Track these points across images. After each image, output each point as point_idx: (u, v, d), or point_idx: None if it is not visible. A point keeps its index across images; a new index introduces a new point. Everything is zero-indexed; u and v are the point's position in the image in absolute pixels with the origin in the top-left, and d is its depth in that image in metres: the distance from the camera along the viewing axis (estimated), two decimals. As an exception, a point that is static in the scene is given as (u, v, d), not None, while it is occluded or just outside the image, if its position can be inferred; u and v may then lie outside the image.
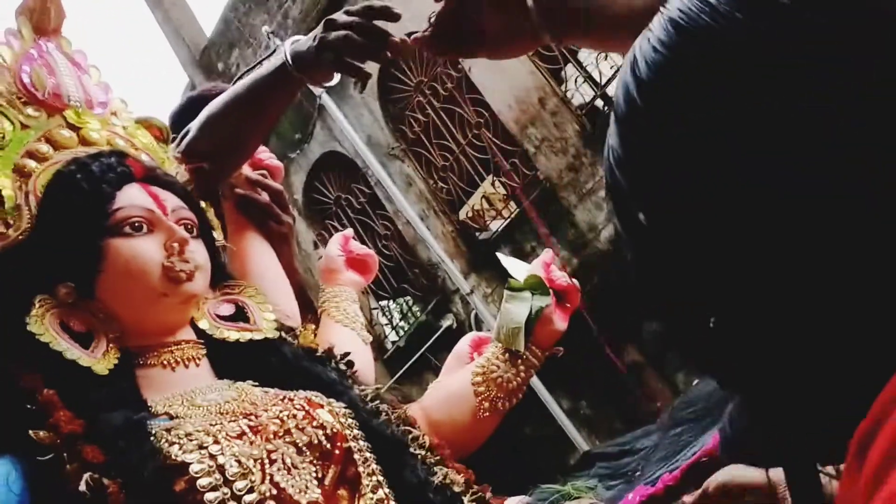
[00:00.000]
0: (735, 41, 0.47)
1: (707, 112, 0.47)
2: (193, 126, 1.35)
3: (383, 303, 9.23)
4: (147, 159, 1.23)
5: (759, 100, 0.45)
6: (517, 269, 1.44)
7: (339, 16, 1.25)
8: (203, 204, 1.26)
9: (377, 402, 1.13)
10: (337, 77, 1.29)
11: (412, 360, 7.91)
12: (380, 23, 1.23)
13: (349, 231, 1.68)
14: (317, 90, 8.21)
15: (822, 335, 0.44)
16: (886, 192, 0.41)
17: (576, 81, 7.39)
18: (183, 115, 1.53)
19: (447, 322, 7.94)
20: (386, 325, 9.19)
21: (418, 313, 8.68)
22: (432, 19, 0.96)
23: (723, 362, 0.51)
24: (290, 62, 1.26)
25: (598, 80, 7.25)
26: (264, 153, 1.50)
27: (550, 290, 1.38)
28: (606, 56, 6.98)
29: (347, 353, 1.23)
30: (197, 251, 1.11)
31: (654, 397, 6.67)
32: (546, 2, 0.86)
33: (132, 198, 1.10)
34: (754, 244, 0.45)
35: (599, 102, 7.36)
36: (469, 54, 0.99)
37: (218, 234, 1.29)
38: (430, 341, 7.76)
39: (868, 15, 0.44)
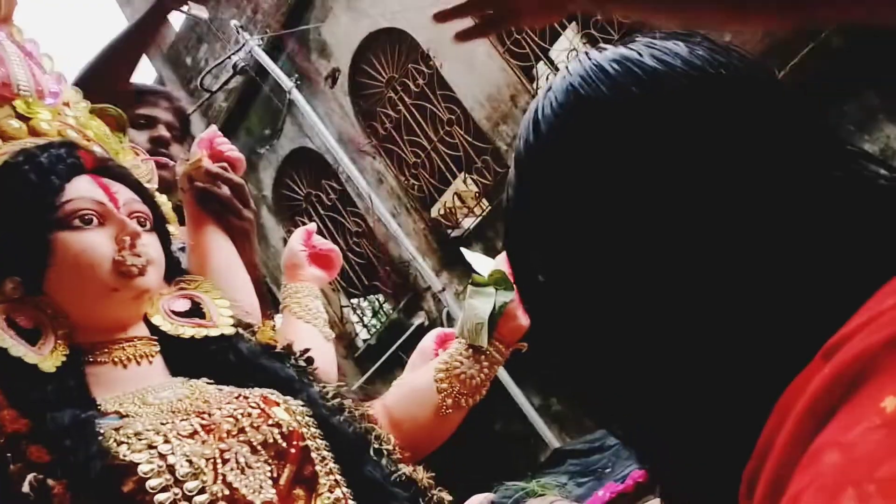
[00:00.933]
0: (626, 114, 0.49)
1: (593, 176, 0.49)
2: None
3: (354, 300, 9.18)
4: (99, 150, 1.19)
5: (641, 170, 0.47)
6: (481, 264, 1.42)
7: None
8: (158, 197, 1.23)
9: (337, 399, 1.10)
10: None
11: (383, 358, 7.87)
12: None
13: (312, 226, 1.65)
14: (286, 85, 8.16)
15: (705, 392, 0.47)
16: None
17: (547, 79, 7.40)
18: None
19: (419, 320, 7.91)
20: (357, 322, 9.14)
21: (389, 311, 8.65)
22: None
23: (618, 419, 0.53)
24: None
25: (569, 77, 7.26)
26: (225, 145, 1.47)
27: (514, 286, 1.37)
28: (577, 54, 7.00)
29: (307, 350, 1.20)
30: (149, 245, 1.08)
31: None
32: None
33: (82, 190, 1.06)
34: (635, 303, 0.48)
35: (570, 100, 7.39)
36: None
37: (174, 228, 1.26)
38: (402, 339, 7.73)
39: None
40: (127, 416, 0.96)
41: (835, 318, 0.41)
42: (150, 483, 0.87)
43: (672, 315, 0.47)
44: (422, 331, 7.88)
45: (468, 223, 7.89)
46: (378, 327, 8.71)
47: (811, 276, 0.44)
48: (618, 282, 0.48)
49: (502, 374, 6.73)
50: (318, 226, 1.96)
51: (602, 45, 0.57)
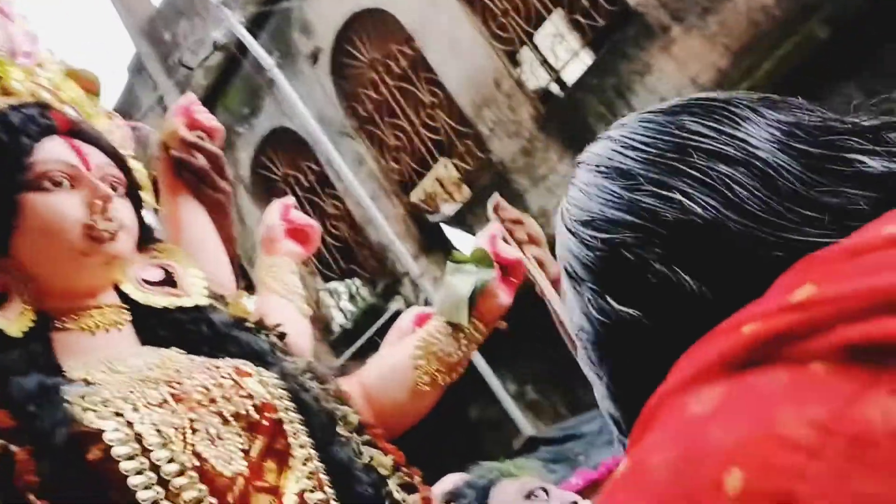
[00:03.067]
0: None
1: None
2: None
3: (331, 284, 9.14)
4: (73, 113, 1.16)
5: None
6: (462, 241, 1.40)
7: None
8: (133, 163, 1.20)
9: (308, 374, 1.08)
10: None
11: (359, 342, 7.85)
12: None
13: (290, 199, 1.62)
14: (267, 63, 8.06)
15: None
16: None
17: (531, 65, 7.38)
18: None
19: (396, 305, 7.89)
20: (333, 307, 9.11)
21: (367, 296, 8.62)
22: None
23: None
24: None
25: (553, 64, 7.24)
26: (202, 113, 1.43)
27: (496, 264, 1.35)
28: (563, 40, 6.99)
29: (280, 324, 1.18)
30: (122, 210, 1.05)
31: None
32: None
33: (53, 151, 1.03)
34: None
35: (555, 87, 7.37)
36: None
37: (148, 196, 1.23)
38: (378, 324, 7.71)
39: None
40: (94, 383, 0.93)
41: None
42: (117, 451, 0.85)
43: None
44: (399, 316, 7.77)
45: (448, 209, 7.87)
46: (355, 312, 8.68)
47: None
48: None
49: (479, 361, 6.74)
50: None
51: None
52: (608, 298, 0.55)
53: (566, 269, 0.60)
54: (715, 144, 0.53)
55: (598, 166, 0.58)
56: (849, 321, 0.38)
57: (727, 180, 0.51)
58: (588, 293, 0.57)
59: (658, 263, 0.51)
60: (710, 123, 0.55)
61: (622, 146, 0.57)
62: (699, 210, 0.51)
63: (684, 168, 0.53)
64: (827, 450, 0.34)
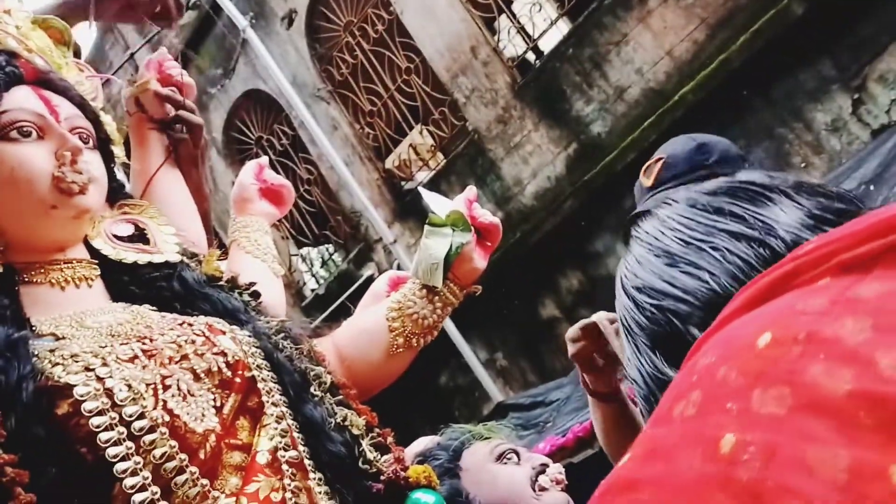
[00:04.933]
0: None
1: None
2: None
3: (304, 250, 9.09)
4: (41, 62, 1.13)
5: None
6: (439, 204, 1.39)
7: None
8: (103, 115, 1.17)
9: (282, 334, 1.07)
10: None
11: (331, 308, 7.83)
12: None
13: (264, 159, 1.59)
14: (241, 23, 7.92)
15: None
16: None
17: (508, 33, 7.32)
18: None
19: (369, 271, 7.87)
20: (306, 272, 9.06)
21: (339, 261, 8.59)
22: None
23: None
24: None
25: (531, 32, 7.20)
26: (175, 69, 1.40)
27: (472, 227, 1.34)
28: (540, 8, 6.93)
29: (253, 283, 1.16)
30: (91, 163, 1.02)
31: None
32: None
33: (21, 100, 1.00)
34: None
35: (531, 56, 7.32)
36: None
37: (119, 150, 1.20)
38: (351, 290, 7.69)
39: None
40: (63, 338, 0.91)
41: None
42: (87, 406, 0.83)
43: None
44: (371, 282, 7.76)
45: (422, 176, 7.83)
46: (327, 277, 8.65)
47: None
48: None
49: (450, 327, 6.76)
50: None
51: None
52: (658, 355, 0.65)
53: (623, 324, 0.70)
54: (739, 226, 0.63)
55: (648, 244, 0.69)
56: (844, 251, 0.51)
57: (740, 261, 0.61)
58: (642, 349, 0.67)
59: (696, 329, 0.60)
60: (744, 204, 0.65)
61: (666, 227, 0.68)
62: (718, 289, 0.61)
63: (709, 251, 0.63)
64: (833, 308, 0.47)
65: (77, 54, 1.29)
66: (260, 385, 0.97)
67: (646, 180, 1.66)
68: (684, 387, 0.52)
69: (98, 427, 0.83)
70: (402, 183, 7.94)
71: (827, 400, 0.43)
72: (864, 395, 0.42)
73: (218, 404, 0.92)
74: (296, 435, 0.97)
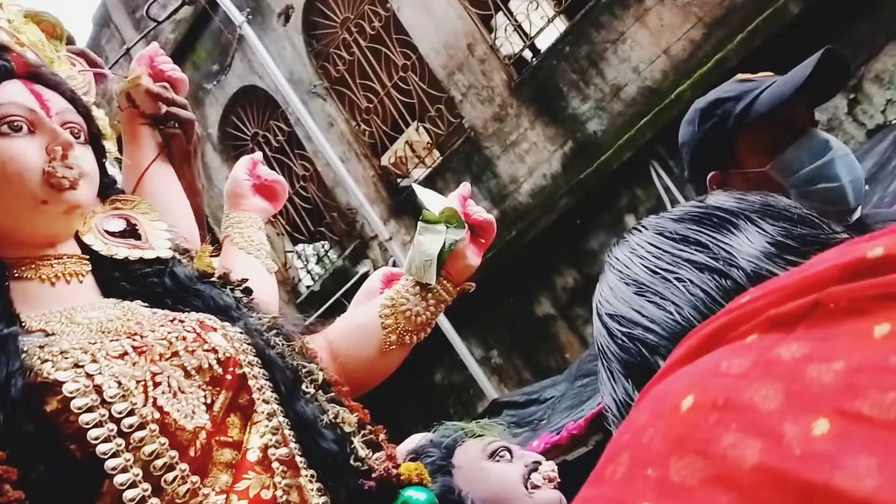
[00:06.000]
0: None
1: None
2: None
3: (299, 246, 9.07)
4: (33, 57, 1.12)
5: None
6: (433, 201, 1.38)
7: None
8: (95, 110, 1.16)
9: (274, 331, 1.06)
10: None
11: (326, 305, 7.82)
12: None
13: (258, 155, 1.59)
14: (237, 19, 7.89)
15: None
16: None
17: (505, 30, 7.31)
18: None
19: (364, 268, 7.86)
20: (301, 269, 9.04)
21: (335, 258, 8.57)
22: None
23: None
24: None
25: (527, 30, 7.19)
26: (166, 63, 1.39)
27: (466, 224, 1.34)
28: (537, 6, 6.92)
29: (245, 280, 1.16)
30: (82, 158, 1.02)
31: (562, 349, 6.80)
32: None
33: (12, 95, 1.00)
34: None
35: (528, 53, 7.31)
36: None
37: (111, 145, 1.20)
38: (346, 287, 7.68)
39: None
40: (53, 334, 0.91)
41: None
42: (76, 403, 0.83)
43: None
44: (366, 279, 7.74)
45: (418, 173, 7.82)
46: (322, 274, 8.63)
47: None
48: None
49: (445, 325, 6.76)
50: (264, 162, 1.89)
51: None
52: (630, 383, 0.65)
53: (599, 350, 0.70)
54: (703, 256, 0.64)
55: (619, 272, 0.70)
56: (773, 306, 0.51)
57: (702, 293, 0.62)
58: (616, 375, 0.67)
59: (662, 360, 0.60)
60: (709, 232, 0.66)
61: (635, 255, 0.69)
62: (682, 321, 0.62)
63: (674, 282, 0.64)
64: (752, 371, 0.47)
65: (70, 43, 1.29)
66: (251, 382, 0.97)
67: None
68: (617, 447, 0.52)
69: (87, 424, 0.83)
70: (398, 180, 7.93)
71: (734, 473, 0.43)
72: (768, 470, 0.42)
73: (208, 401, 0.92)
74: (287, 432, 0.96)
